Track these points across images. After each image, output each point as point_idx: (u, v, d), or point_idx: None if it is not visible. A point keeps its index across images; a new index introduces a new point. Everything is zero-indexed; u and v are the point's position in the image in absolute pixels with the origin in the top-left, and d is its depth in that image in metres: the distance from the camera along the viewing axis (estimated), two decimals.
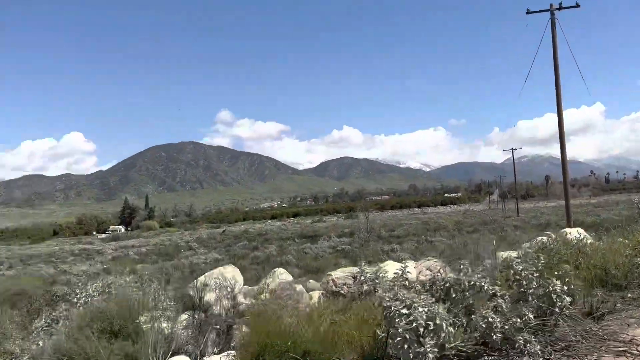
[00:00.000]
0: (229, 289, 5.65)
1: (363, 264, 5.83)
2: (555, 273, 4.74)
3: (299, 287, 6.54)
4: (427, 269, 7.30)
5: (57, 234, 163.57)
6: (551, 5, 21.31)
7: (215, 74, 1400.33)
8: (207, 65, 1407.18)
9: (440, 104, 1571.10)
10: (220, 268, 6.73)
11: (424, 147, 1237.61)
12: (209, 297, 5.59)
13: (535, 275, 4.60)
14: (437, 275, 5.03)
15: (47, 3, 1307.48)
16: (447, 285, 4.42)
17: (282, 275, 7.11)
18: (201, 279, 6.10)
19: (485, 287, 4.31)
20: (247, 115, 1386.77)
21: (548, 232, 8.40)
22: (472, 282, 4.33)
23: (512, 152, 73.05)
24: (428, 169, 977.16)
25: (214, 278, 5.91)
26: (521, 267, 4.65)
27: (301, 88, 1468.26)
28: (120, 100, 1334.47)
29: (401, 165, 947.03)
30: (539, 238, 7.72)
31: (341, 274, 6.32)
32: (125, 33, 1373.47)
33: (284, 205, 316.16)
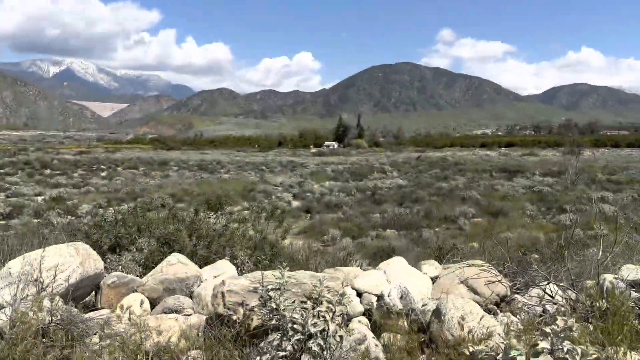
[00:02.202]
0: (41, 285, 3.44)
1: (280, 268, 3.31)
2: None
3: (203, 290, 4.27)
4: (460, 282, 4.63)
5: (281, 144, 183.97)
6: None
7: None
8: None
9: None
10: (52, 247, 4.09)
11: None
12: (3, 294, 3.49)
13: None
14: None
15: None
16: None
17: (173, 266, 4.69)
18: (11, 263, 3.84)
19: None
20: (471, 35, 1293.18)
21: None
22: None
23: None
24: None
25: (26, 264, 3.66)
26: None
27: (532, 2, 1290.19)
28: (345, 21, 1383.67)
29: None
30: None
31: (243, 284, 3.54)
32: None
33: (500, 133, 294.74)
